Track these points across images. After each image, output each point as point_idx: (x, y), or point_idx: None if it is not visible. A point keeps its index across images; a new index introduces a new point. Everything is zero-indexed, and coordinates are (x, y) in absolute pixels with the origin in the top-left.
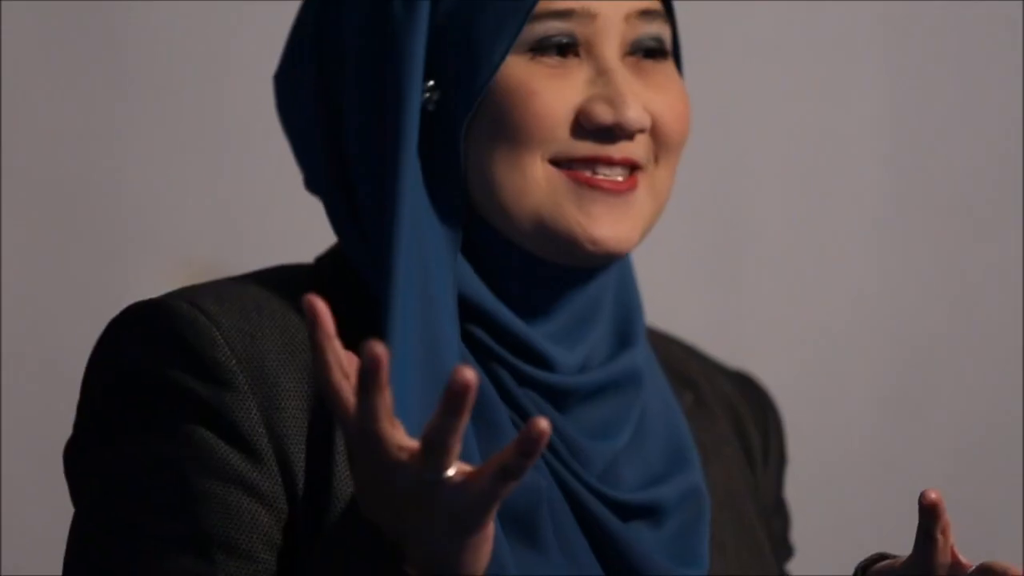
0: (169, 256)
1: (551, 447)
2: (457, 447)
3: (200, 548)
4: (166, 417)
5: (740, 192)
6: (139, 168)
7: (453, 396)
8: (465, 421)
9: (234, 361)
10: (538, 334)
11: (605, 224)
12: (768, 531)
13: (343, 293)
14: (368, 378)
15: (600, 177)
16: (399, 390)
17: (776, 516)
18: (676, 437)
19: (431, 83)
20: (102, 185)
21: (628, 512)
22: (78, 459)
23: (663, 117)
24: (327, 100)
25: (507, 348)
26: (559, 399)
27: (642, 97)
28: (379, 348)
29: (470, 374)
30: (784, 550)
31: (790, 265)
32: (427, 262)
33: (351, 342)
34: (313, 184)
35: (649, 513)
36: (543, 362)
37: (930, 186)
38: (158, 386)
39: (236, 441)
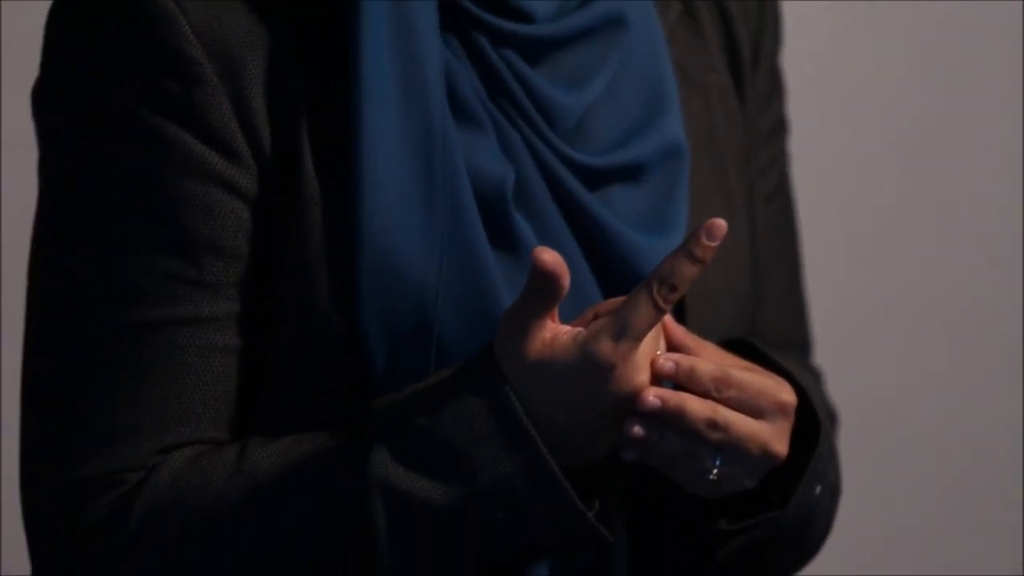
0: None
1: (522, 112)
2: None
3: (185, 250)
4: (134, 118)
5: None
6: None
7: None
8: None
9: (201, 51)
10: None
11: None
12: (748, 177)
13: None
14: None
15: None
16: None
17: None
18: (658, 80)
19: None
20: None
21: (603, 176)
22: (46, 114)
23: None
24: None
25: (482, 6)
26: (535, 51)
27: None
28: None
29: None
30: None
31: None
32: None
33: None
34: None
35: (626, 174)
36: (520, 13)
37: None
38: (123, 86)
39: (211, 139)
